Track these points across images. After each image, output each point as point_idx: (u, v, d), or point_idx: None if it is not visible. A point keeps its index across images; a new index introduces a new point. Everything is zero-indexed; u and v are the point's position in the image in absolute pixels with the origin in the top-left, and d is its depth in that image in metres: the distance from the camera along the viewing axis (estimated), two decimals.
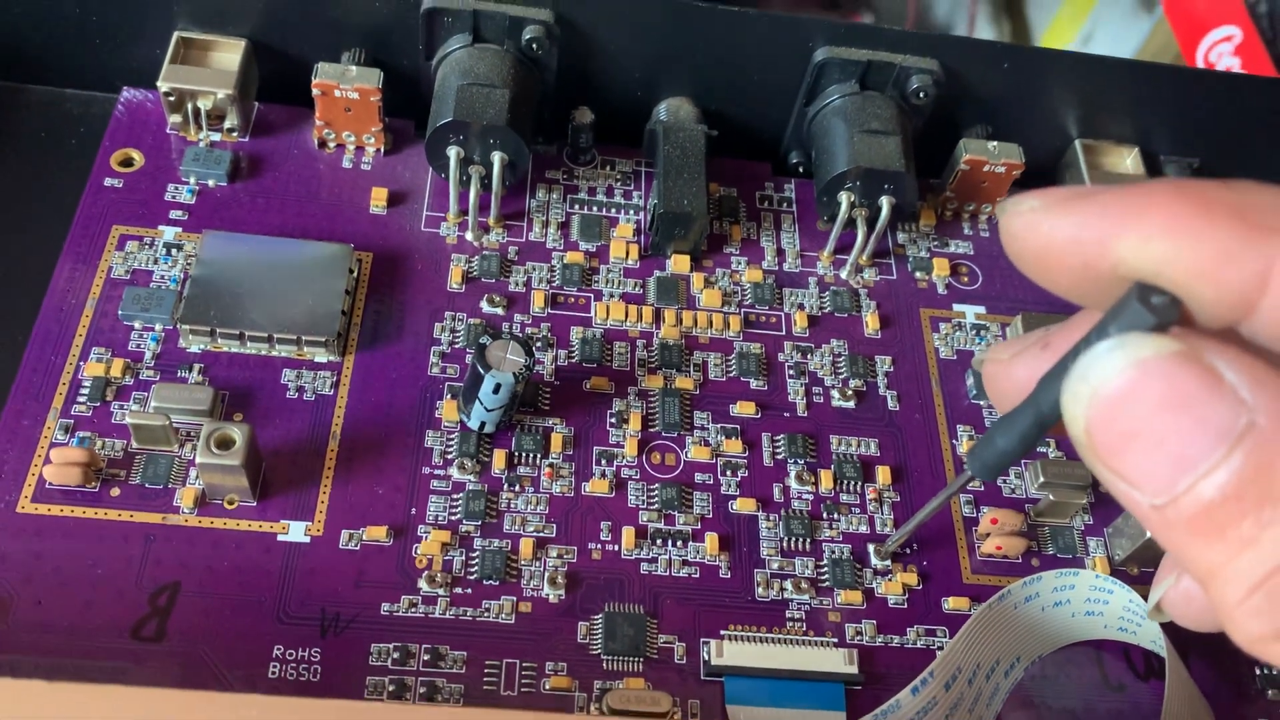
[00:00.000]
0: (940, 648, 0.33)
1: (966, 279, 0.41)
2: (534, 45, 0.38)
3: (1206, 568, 0.19)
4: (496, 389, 0.33)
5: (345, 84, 0.38)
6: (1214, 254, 0.19)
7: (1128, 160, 0.43)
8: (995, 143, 0.41)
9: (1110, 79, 0.41)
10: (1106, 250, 0.20)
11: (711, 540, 0.34)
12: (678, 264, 0.40)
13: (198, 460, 0.31)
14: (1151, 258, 0.20)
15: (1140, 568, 0.36)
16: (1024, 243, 0.22)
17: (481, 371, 0.33)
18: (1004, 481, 0.37)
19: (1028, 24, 1.09)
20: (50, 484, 0.32)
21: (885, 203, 0.39)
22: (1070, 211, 0.21)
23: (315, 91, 0.39)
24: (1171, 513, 0.19)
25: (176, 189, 0.39)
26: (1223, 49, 0.69)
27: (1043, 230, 0.21)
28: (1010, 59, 0.40)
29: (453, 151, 0.38)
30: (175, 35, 0.39)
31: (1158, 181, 0.21)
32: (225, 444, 0.31)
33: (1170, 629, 0.32)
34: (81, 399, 0.34)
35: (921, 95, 0.40)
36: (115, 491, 0.32)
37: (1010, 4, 1.11)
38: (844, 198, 0.39)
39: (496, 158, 0.38)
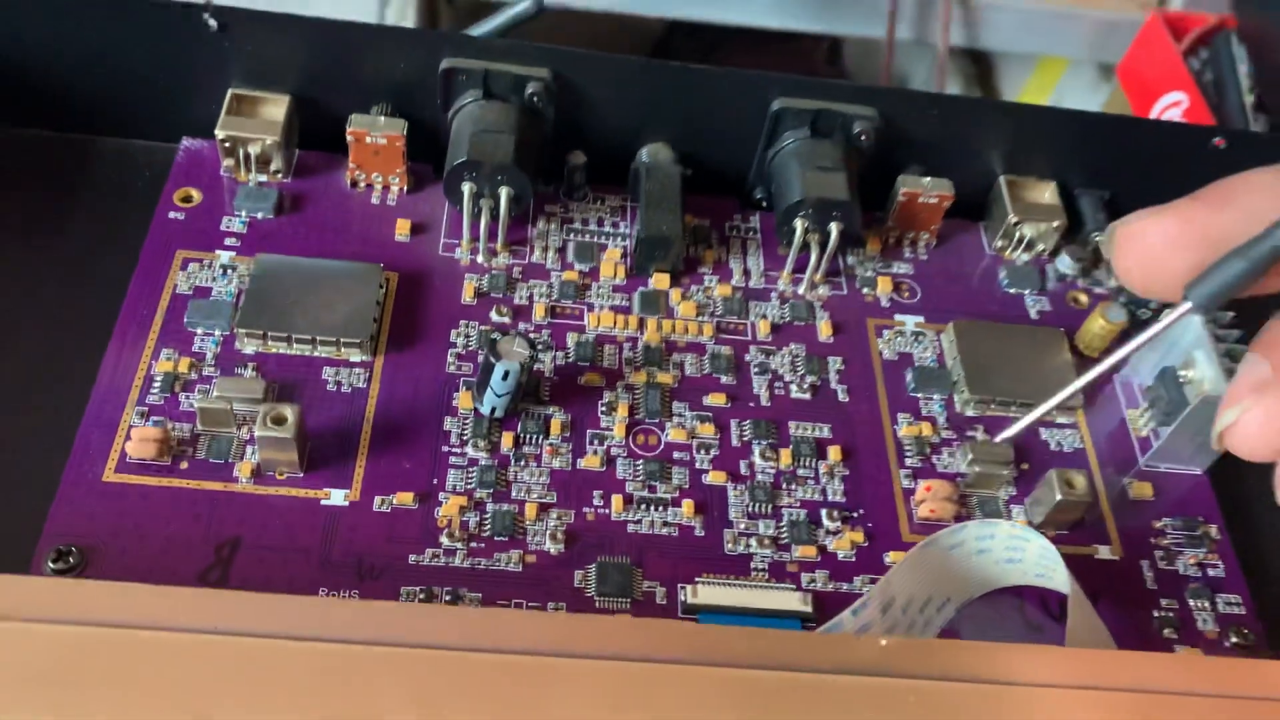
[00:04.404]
0: None
1: (907, 294, 0.48)
2: (535, 99, 0.45)
3: None
4: (505, 376, 0.39)
5: (375, 132, 0.45)
6: None
7: (1046, 193, 0.50)
8: (929, 178, 0.48)
9: (1028, 123, 0.48)
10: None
11: (688, 506, 0.40)
12: (659, 281, 0.46)
13: (256, 434, 0.37)
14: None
15: (1055, 530, 0.42)
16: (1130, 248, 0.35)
17: (493, 361, 0.39)
18: (937, 458, 0.43)
19: (997, 94, 1.16)
20: (130, 458, 0.38)
21: (834, 228, 0.46)
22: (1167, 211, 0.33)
23: (349, 138, 0.45)
24: None
25: (230, 221, 0.45)
26: (1173, 113, 0.76)
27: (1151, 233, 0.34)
28: (939, 106, 0.47)
29: (466, 187, 0.44)
30: (230, 92, 0.46)
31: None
32: (279, 420, 0.37)
33: (1081, 574, 0.38)
34: (155, 391, 0.40)
35: (863, 138, 0.47)
36: (184, 465, 0.38)
37: (980, 76, 1.18)
38: (799, 224, 0.46)
39: (504, 192, 0.44)
